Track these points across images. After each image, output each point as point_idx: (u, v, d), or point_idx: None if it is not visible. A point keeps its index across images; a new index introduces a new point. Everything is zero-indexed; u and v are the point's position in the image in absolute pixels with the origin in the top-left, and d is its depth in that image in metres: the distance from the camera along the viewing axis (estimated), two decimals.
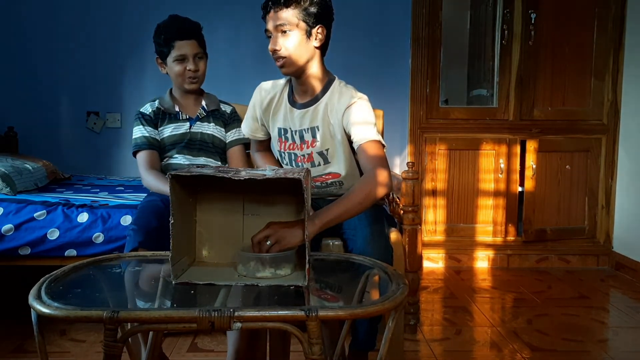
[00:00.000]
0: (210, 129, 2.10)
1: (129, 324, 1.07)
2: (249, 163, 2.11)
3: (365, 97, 1.72)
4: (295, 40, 1.61)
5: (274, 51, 1.63)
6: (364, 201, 1.49)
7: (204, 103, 2.11)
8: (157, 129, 2.06)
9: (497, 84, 3.32)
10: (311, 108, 1.72)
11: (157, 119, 2.06)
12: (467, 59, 3.93)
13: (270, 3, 1.61)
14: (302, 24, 1.61)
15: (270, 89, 1.83)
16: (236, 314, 0.97)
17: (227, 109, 2.16)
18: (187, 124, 2.07)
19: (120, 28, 3.38)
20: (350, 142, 1.70)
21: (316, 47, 1.67)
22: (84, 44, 3.37)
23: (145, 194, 2.13)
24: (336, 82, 1.74)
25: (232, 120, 2.14)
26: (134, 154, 2.05)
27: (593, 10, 3.28)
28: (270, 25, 1.62)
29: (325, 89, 1.72)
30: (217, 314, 0.97)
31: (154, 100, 2.10)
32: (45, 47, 3.36)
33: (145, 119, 2.05)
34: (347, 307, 1.04)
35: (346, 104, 1.67)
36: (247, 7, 3.24)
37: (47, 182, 2.66)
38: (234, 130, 2.12)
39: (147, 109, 2.07)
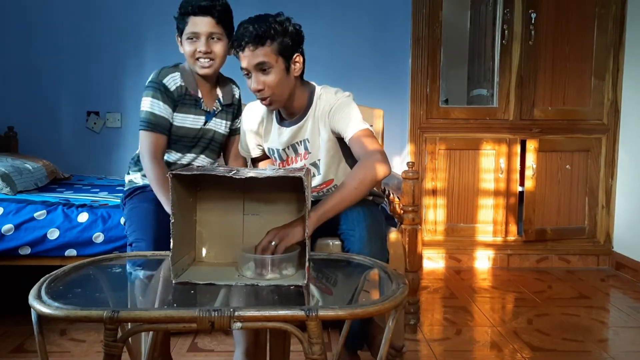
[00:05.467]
0: (222, 127, 1.94)
1: (129, 323, 1.07)
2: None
3: (346, 94, 1.73)
4: (276, 77, 1.58)
5: (258, 91, 1.60)
6: (359, 185, 1.48)
7: (220, 95, 1.92)
8: (174, 111, 1.82)
9: (497, 83, 3.32)
10: (300, 122, 1.74)
11: (178, 101, 1.81)
12: (467, 59, 3.93)
13: (243, 43, 1.54)
14: (280, 59, 1.57)
15: (256, 111, 1.84)
16: (236, 313, 0.97)
17: (236, 92, 1.99)
18: (204, 118, 1.88)
19: (120, 28, 3.38)
20: (341, 144, 1.72)
21: (296, 77, 1.66)
22: (84, 44, 3.37)
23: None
24: (317, 90, 1.74)
25: (240, 112, 1.98)
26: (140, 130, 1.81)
27: (593, 10, 3.28)
28: (246, 64, 1.57)
29: (310, 102, 1.73)
30: (217, 313, 0.97)
31: (175, 72, 1.83)
32: (46, 47, 3.36)
33: (167, 95, 1.79)
34: (347, 307, 1.04)
35: (329, 106, 1.69)
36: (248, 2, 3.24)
37: (47, 182, 2.66)
38: (239, 119, 1.98)
39: (171, 84, 1.80)
